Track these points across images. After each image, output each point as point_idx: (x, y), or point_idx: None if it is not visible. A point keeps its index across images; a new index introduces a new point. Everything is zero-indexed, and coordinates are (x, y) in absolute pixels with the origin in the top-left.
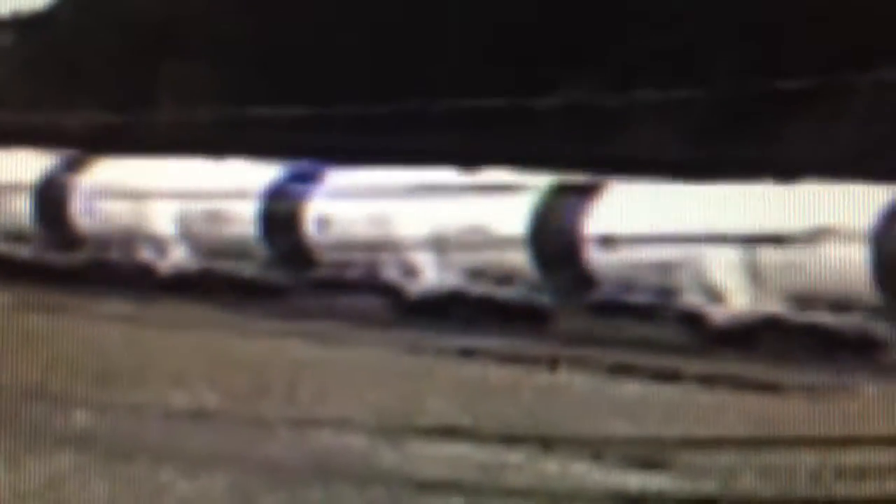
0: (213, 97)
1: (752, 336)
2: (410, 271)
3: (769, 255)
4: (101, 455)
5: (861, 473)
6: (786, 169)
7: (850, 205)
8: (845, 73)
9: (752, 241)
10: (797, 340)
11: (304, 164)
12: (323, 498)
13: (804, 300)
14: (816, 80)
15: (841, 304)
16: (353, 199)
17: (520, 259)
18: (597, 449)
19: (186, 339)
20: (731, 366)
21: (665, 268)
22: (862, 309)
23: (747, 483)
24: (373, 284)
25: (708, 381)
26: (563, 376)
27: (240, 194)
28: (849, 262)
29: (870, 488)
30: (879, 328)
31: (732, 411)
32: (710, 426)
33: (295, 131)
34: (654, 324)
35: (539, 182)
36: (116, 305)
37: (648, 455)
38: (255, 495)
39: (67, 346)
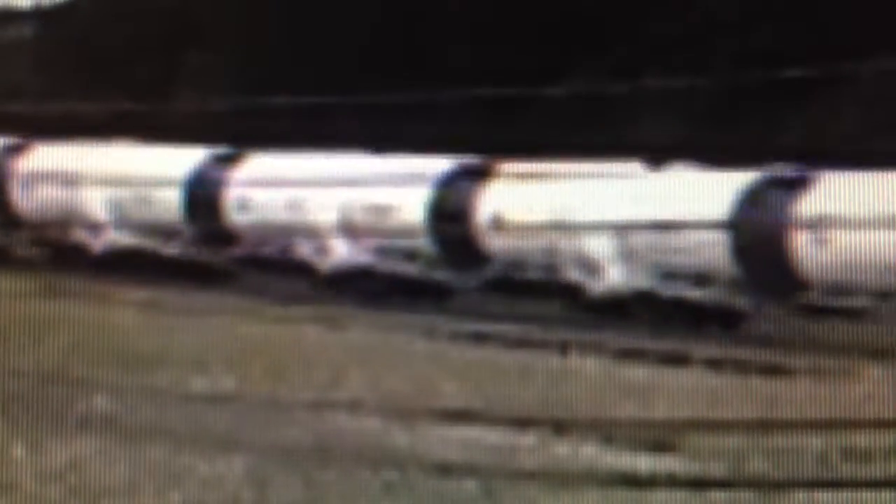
0: (230, 86)
1: (625, 307)
2: (323, 250)
3: (640, 239)
4: (121, 438)
5: (867, 455)
6: (786, 155)
7: (711, 191)
8: (846, 62)
9: (625, 227)
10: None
11: (225, 150)
12: (337, 480)
13: (671, 276)
14: (818, 69)
15: (703, 279)
16: (270, 185)
17: (421, 241)
18: (607, 432)
19: (205, 324)
20: (738, 350)
21: (549, 251)
22: (721, 283)
23: (755, 465)
24: (288, 263)
25: (716, 364)
26: (574, 360)
27: (166, 181)
28: (711, 243)
29: (876, 469)
30: (738, 301)
31: (740, 394)
32: (719, 409)
33: (309, 120)
34: (541, 298)
35: (439, 167)
36: (135, 292)
37: (658, 438)
38: (272, 477)
39: (87, 332)
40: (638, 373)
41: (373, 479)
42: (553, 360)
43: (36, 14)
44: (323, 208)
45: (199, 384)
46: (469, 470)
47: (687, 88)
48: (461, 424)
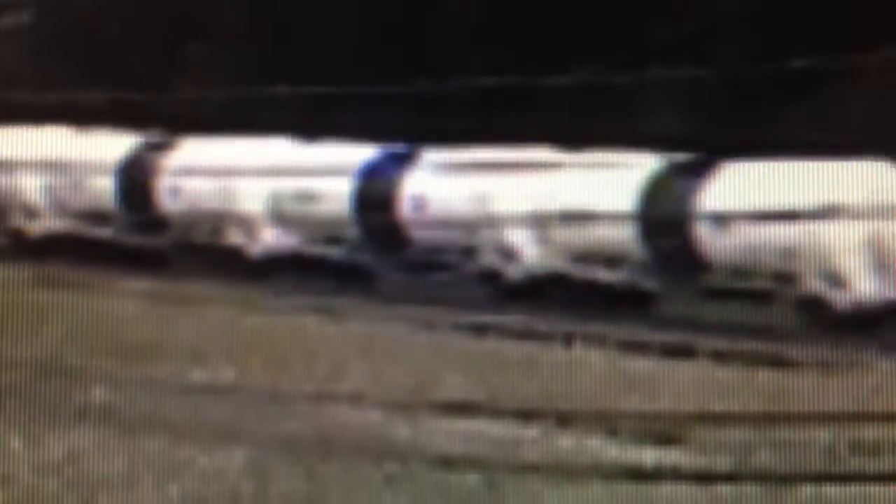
0: (231, 76)
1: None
2: (509, 254)
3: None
4: (119, 430)
5: (875, 448)
6: (792, 148)
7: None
8: (852, 54)
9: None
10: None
11: (397, 146)
12: (339, 473)
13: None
14: (823, 61)
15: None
16: (449, 177)
17: (626, 239)
18: (612, 424)
19: (204, 315)
20: (745, 342)
21: (784, 250)
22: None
23: (762, 458)
24: (469, 267)
25: (722, 356)
26: (579, 352)
27: (334, 172)
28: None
29: (884, 463)
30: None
31: (746, 387)
32: (725, 401)
33: (312, 110)
34: (768, 308)
35: (646, 161)
36: (134, 281)
37: (663, 430)
38: (272, 470)
39: (85, 322)
40: (643, 365)
41: (374, 472)
42: (557, 352)
43: (34, 2)
44: (510, 202)
45: (198, 375)
46: (472, 463)
47: (691, 80)
48: (464, 417)
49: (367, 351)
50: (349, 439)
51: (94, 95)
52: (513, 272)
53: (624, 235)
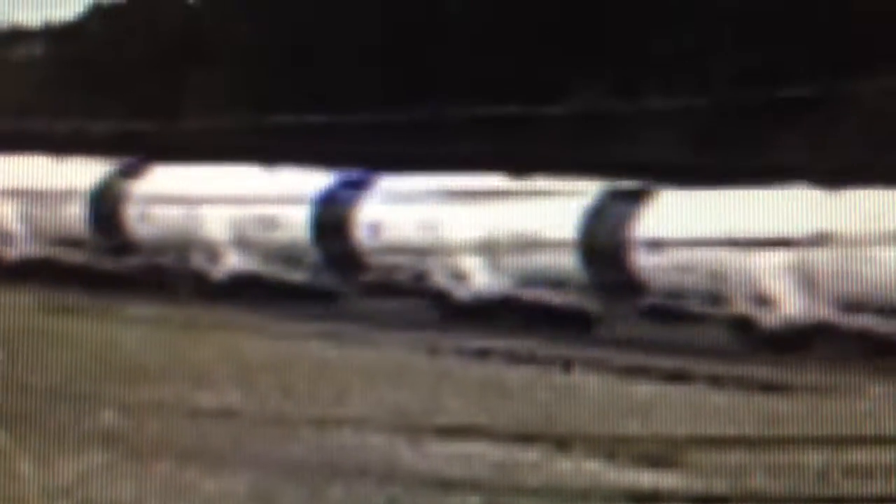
0: (237, 105)
1: (804, 341)
2: (459, 276)
3: (819, 260)
4: (127, 454)
5: (868, 472)
6: (787, 175)
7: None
8: (846, 81)
9: (801, 244)
10: (848, 345)
11: (355, 172)
12: (343, 496)
13: (854, 305)
14: (817, 88)
15: (890, 309)
16: (403, 204)
17: (569, 264)
18: (610, 448)
19: (211, 340)
20: (742, 367)
21: (714, 273)
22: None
23: (757, 481)
24: (421, 289)
25: (718, 381)
26: (577, 377)
27: (292, 200)
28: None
29: (877, 487)
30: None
31: (742, 411)
32: (721, 426)
33: (316, 139)
34: (704, 329)
35: (588, 188)
36: (141, 307)
37: (660, 454)
38: (277, 493)
39: (94, 347)
40: (640, 389)
41: (377, 495)
42: (556, 377)
43: (45, 33)
44: (460, 229)
45: (204, 400)
46: (472, 486)
47: (686, 108)
48: (465, 440)
49: (371, 376)
50: (352, 462)
51: (105, 125)
52: (462, 294)
53: (566, 262)
